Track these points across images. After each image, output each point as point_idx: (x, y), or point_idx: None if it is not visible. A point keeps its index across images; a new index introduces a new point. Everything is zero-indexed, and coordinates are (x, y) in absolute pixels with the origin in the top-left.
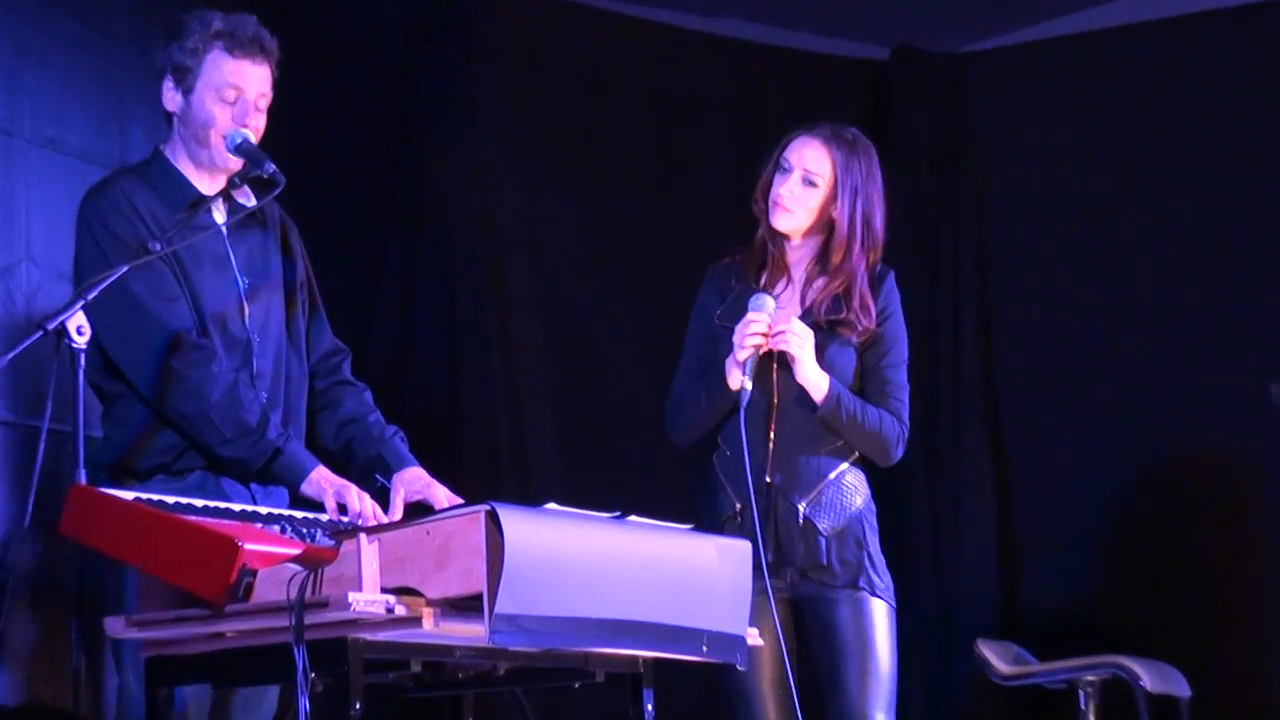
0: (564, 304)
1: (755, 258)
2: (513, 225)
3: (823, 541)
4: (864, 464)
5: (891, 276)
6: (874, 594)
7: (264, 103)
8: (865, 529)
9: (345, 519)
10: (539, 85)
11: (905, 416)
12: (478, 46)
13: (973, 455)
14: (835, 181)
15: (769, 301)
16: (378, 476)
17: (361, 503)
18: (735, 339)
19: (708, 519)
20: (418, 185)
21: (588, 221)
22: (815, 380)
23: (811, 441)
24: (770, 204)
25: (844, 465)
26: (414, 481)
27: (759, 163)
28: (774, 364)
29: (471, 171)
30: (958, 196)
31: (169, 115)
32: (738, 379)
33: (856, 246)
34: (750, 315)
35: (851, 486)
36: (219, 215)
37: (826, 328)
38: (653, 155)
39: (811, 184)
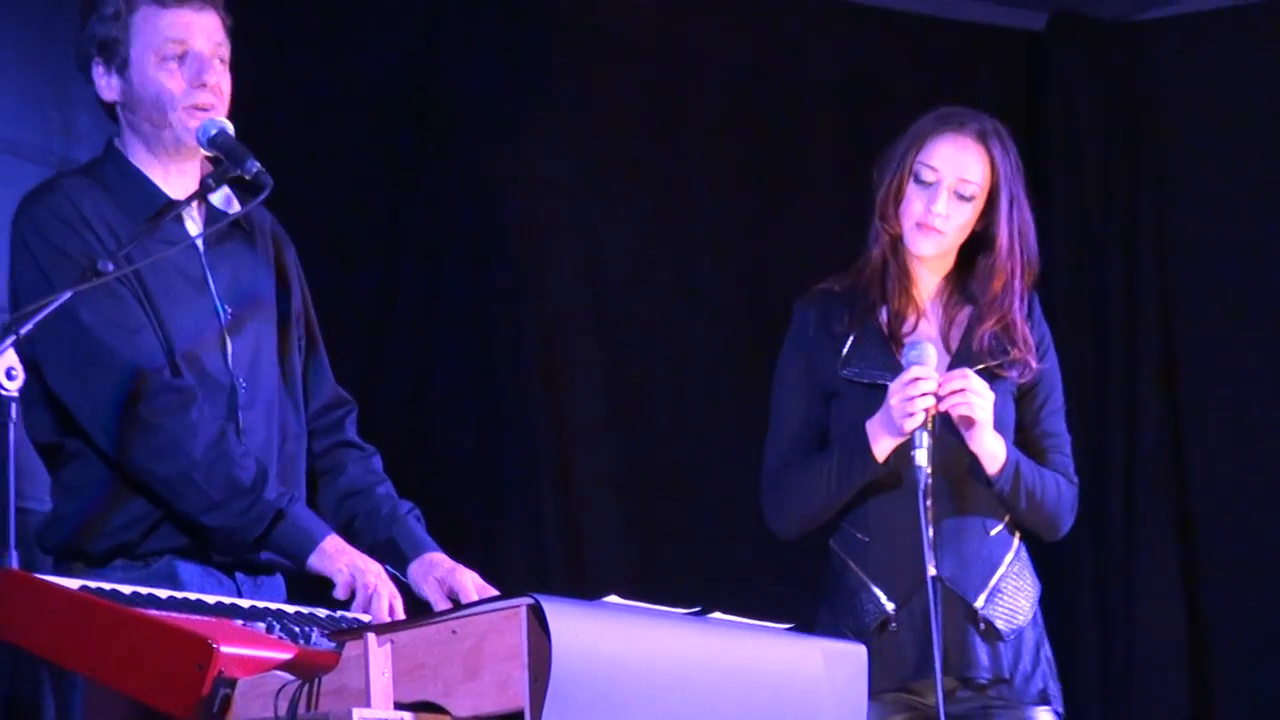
0: (629, 342)
1: (872, 286)
2: (563, 242)
3: (1004, 648)
4: (1027, 540)
5: (1038, 301)
6: (1051, 711)
7: (224, 53)
8: (1041, 625)
9: (347, 613)
10: (597, 63)
11: (1074, 473)
12: (517, 12)
13: (1151, 530)
14: (992, 191)
15: (931, 351)
16: (387, 567)
17: (377, 591)
18: (894, 402)
19: (845, 627)
20: (439, 191)
21: (661, 237)
22: (993, 449)
23: (978, 521)
24: (913, 225)
25: (1015, 547)
26: (436, 568)
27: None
28: (928, 426)
29: (510, 174)
30: (1132, 195)
31: (111, 108)
32: (885, 448)
33: (1018, 269)
34: (915, 371)
35: (1023, 576)
36: (193, 225)
37: (985, 375)
38: (745, 154)
39: (966, 198)
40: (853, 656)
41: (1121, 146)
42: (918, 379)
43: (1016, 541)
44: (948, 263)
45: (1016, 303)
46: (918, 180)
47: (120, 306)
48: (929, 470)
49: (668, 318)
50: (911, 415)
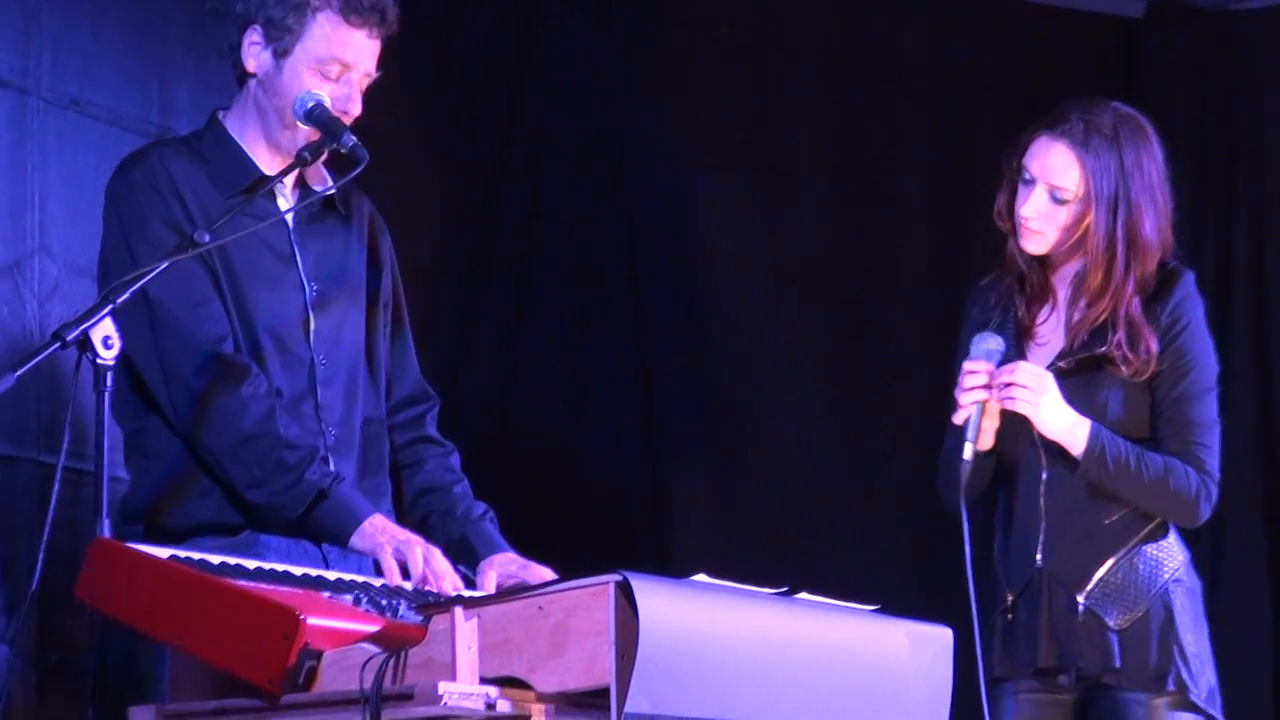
0: (722, 327)
1: (1011, 279)
2: (658, 229)
3: (1114, 638)
4: (1170, 528)
5: (1187, 280)
6: (1183, 702)
7: (366, 84)
8: (1173, 612)
9: (408, 585)
10: (693, 45)
11: (1211, 464)
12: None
13: (1240, 530)
14: (1088, 193)
15: (992, 341)
16: (459, 567)
17: (430, 562)
18: (957, 394)
19: (988, 609)
20: (530, 173)
21: (755, 215)
22: (1065, 432)
23: (1092, 511)
24: (1016, 224)
25: (1138, 536)
26: (505, 565)
27: (973, 144)
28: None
29: (603, 156)
30: (1228, 189)
31: (243, 75)
32: (970, 448)
33: (1118, 269)
34: (967, 364)
35: (1152, 560)
36: (285, 203)
37: (1090, 365)
38: (839, 134)
39: (1060, 201)
40: (938, 638)
41: (1218, 136)
42: (967, 371)
43: (1143, 533)
44: (1074, 255)
45: (1126, 294)
46: (1022, 180)
47: (187, 280)
48: (969, 462)
49: (760, 298)
50: (960, 409)
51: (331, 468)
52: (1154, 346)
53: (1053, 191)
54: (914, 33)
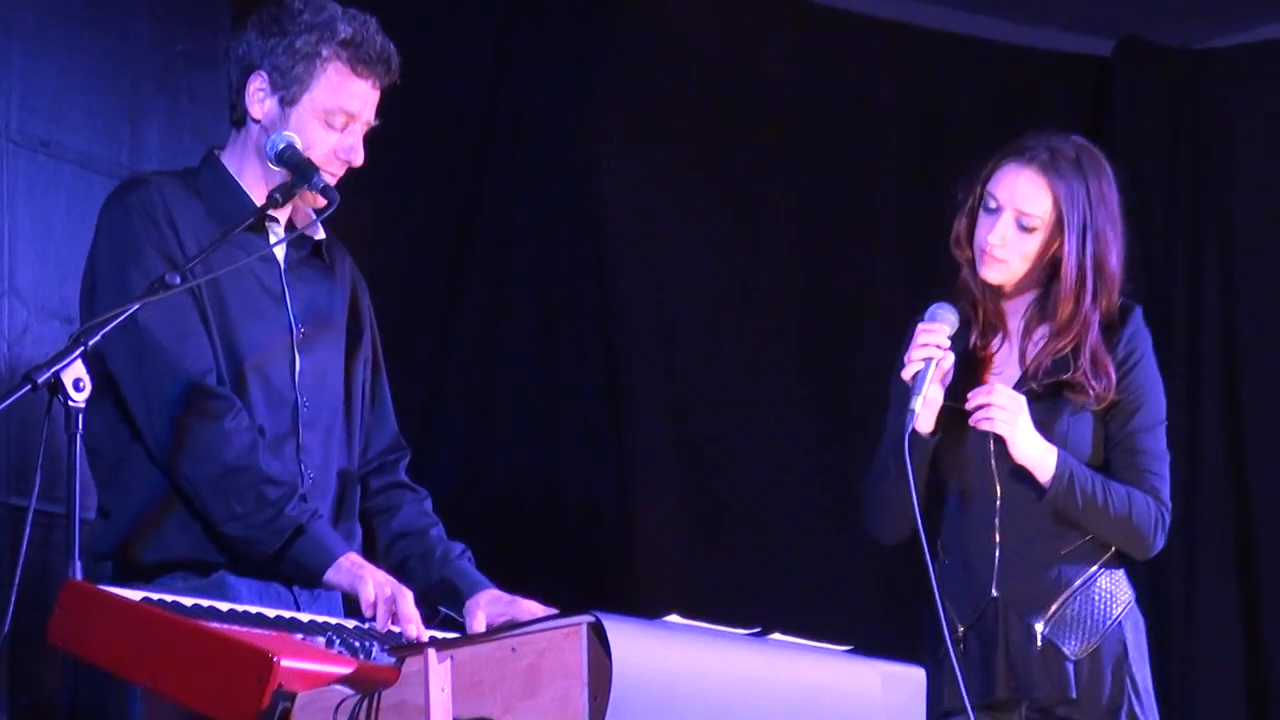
0: (693, 358)
1: (962, 309)
2: (627, 253)
3: (1071, 668)
4: (1123, 561)
5: (1137, 314)
6: None
7: (364, 131)
8: (1126, 645)
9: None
10: (664, 78)
11: (1165, 494)
12: (586, 26)
13: (1211, 557)
14: (1058, 221)
15: (949, 314)
16: (441, 608)
17: (399, 605)
18: (909, 353)
19: (930, 643)
20: (506, 207)
21: (726, 253)
22: (1035, 458)
23: (1049, 540)
24: (977, 251)
25: (1095, 566)
26: (494, 604)
27: (943, 182)
28: (990, 446)
29: (574, 187)
30: (1197, 224)
31: (241, 118)
32: (924, 419)
33: (1087, 298)
34: (923, 325)
35: (1106, 593)
36: (274, 239)
37: (1051, 393)
38: (811, 171)
39: (1028, 229)
40: (910, 679)
41: (1186, 173)
42: (922, 330)
43: (1098, 564)
44: (1026, 287)
45: (1091, 326)
46: (985, 207)
47: (175, 312)
48: (915, 414)
49: (732, 333)
50: (910, 363)
51: (310, 505)
52: (1114, 376)
53: (1020, 218)
54: (886, 71)
